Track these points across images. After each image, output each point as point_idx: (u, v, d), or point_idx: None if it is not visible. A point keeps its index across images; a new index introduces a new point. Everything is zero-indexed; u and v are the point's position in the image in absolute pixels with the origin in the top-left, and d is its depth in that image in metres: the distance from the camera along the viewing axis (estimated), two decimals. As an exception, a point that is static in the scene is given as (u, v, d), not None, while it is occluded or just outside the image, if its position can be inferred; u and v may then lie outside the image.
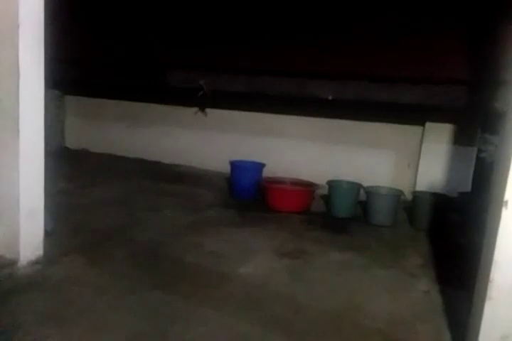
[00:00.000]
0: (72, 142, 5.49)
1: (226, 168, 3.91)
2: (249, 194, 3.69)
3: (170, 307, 1.93)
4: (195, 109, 4.77)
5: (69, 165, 4.35)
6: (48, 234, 2.36)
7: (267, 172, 3.84)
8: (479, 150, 3.40)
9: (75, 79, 4.76)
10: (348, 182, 3.54)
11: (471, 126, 3.67)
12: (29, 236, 2.21)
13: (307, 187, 3.60)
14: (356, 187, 3.46)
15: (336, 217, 3.39)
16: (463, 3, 3.38)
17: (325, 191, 3.54)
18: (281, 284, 2.23)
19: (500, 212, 1.52)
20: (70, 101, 5.49)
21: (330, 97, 3.87)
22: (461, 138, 3.77)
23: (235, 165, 3.83)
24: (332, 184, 3.48)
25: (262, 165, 3.85)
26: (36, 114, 2.18)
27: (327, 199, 3.53)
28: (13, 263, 2.14)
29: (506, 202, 1.51)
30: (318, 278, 2.33)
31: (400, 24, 3.58)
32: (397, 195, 3.35)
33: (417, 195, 3.37)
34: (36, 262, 2.22)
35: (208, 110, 4.76)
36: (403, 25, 3.57)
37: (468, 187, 3.50)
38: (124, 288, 2.06)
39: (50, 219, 2.44)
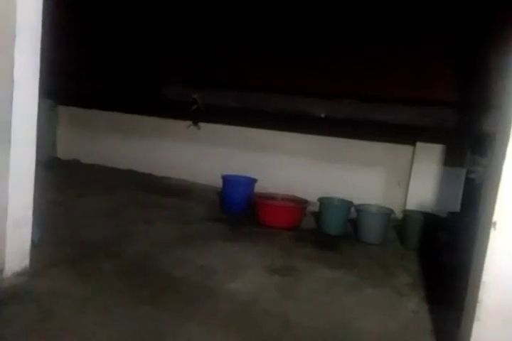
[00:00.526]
0: (63, 152, 5.45)
1: (218, 182, 3.91)
2: (241, 209, 3.68)
3: (157, 322, 1.90)
4: (189, 122, 4.79)
5: (60, 176, 4.31)
6: (34, 244, 2.32)
7: (258, 188, 3.85)
8: (468, 171, 3.45)
9: (68, 89, 4.76)
10: (339, 200, 3.55)
11: (461, 147, 3.73)
12: (15, 247, 2.18)
13: (298, 204, 3.60)
14: (347, 204, 3.48)
15: (327, 234, 3.39)
16: (453, 27, 3.48)
17: (316, 208, 3.55)
18: (270, 301, 2.21)
19: (489, 233, 1.54)
20: (62, 111, 5.48)
21: (322, 115, 3.92)
22: (451, 159, 3.82)
23: (226, 179, 3.83)
24: (323, 201, 3.49)
25: (253, 180, 3.85)
26: (29, 124, 2.18)
27: (318, 216, 3.53)
28: (-3, 273, 2.10)
29: (495, 223, 1.54)
30: (308, 296, 2.31)
31: (392, 47, 3.67)
32: (387, 213, 3.37)
33: (407, 214, 3.39)
34: (22, 273, 2.17)
35: (201, 124, 4.78)
36: (395, 47, 3.66)
37: (457, 207, 3.54)
38: (110, 302, 2.02)
39: (37, 230, 2.40)
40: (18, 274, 2.16)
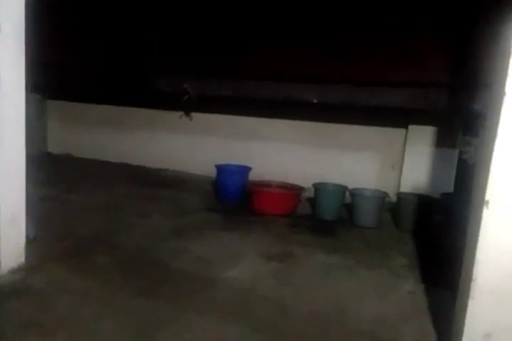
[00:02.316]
0: (54, 147, 5.41)
1: (212, 172, 3.90)
2: (235, 197, 3.68)
3: (156, 313, 1.91)
4: (181, 113, 4.76)
5: (52, 171, 4.28)
6: (30, 240, 2.31)
7: (253, 176, 3.84)
8: (461, 152, 3.45)
9: (57, 83, 4.70)
10: (334, 185, 3.56)
11: (453, 128, 3.73)
12: (10, 244, 2.17)
13: (293, 190, 3.61)
14: (341, 189, 3.49)
15: (322, 219, 3.41)
16: (444, 8, 3.45)
17: (311, 194, 3.56)
18: (268, 288, 2.22)
19: (482, 212, 1.55)
20: (52, 106, 5.42)
21: (315, 101, 3.90)
22: (443, 141, 3.83)
23: (220, 168, 3.82)
24: (318, 186, 3.50)
25: (247, 169, 3.85)
26: (17, 119, 2.14)
27: (313, 201, 3.54)
28: (-7, 271, 2.09)
29: (487, 201, 1.54)
30: (305, 281, 2.33)
31: (382, 29, 3.64)
32: (381, 196, 3.38)
33: (401, 197, 3.41)
34: (18, 269, 2.17)
35: (193, 114, 4.75)
36: (385, 30, 3.63)
37: (450, 188, 3.56)
38: (108, 295, 2.03)
39: (32, 226, 2.39)
40: (15, 271, 2.15)
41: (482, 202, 1.55)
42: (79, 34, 4.63)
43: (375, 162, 4.16)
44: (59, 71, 4.62)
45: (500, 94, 1.53)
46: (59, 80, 4.68)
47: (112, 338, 1.72)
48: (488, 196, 1.54)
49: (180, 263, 2.44)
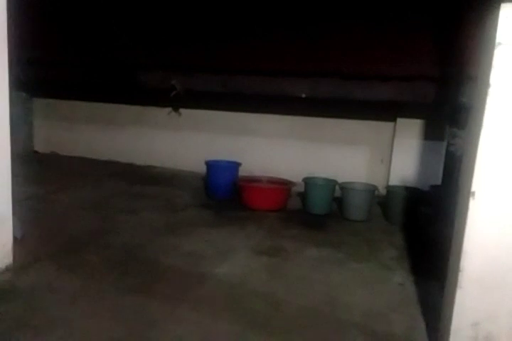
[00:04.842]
0: (41, 145, 5.34)
1: (202, 168, 3.89)
2: (226, 193, 3.68)
3: (147, 310, 1.90)
4: (169, 109, 4.73)
5: (39, 169, 4.23)
6: (17, 240, 2.29)
7: (243, 172, 3.84)
8: (448, 144, 3.49)
9: (42, 80, 4.63)
10: (324, 179, 3.57)
11: (440, 120, 3.77)
12: (-3, 244, 2.14)
13: (283, 185, 3.61)
14: (331, 183, 3.50)
15: (313, 213, 3.42)
16: (431, 2, 3.46)
17: (301, 188, 3.57)
18: (259, 282, 2.23)
19: (468, 203, 1.56)
20: (37, 104, 5.34)
21: (303, 95, 3.90)
22: (431, 133, 3.86)
23: (210, 164, 3.81)
24: (308, 181, 3.50)
25: (237, 165, 3.84)
26: (1, 118, 2.11)
27: (303, 196, 3.55)
28: (-19, 272, 2.06)
29: (473, 192, 1.56)
30: (297, 275, 2.34)
31: (369, 23, 3.64)
32: (371, 190, 3.40)
33: (390, 190, 3.43)
34: (6, 270, 2.14)
35: (181, 110, 4.72)
36: (372, 24, 3.63)
37: (439, 181, 3.60)
38: (99, 293, 2.02)
39: (19, 226, 2.36)
40: (3, 271, 2.13)
41: (468, 193, 1.57)
42: (63, 30, 4.56)
43: (364, 155, 4.18)
44: (44, 69, 4.55)
45: (485, 85, 1.54)
46: (45, 78, 4.61)
47: (104, 336, 1.71)
48: (474, 187, 1.56)
49: (172, 259, 2.43)
